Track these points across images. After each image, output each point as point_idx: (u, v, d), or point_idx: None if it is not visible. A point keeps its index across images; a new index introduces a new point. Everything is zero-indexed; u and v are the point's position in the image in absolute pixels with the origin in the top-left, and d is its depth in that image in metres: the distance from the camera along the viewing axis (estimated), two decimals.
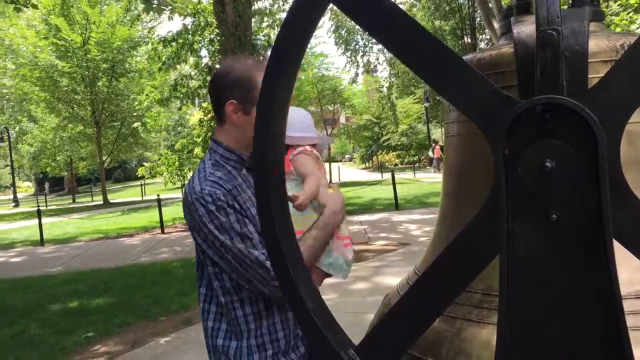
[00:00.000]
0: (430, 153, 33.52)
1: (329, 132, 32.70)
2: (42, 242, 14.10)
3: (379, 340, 1.28)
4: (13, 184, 39.44)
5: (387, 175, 24.98)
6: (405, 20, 1.12)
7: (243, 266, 1.71)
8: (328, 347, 1.29)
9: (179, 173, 20.87)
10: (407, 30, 1.14)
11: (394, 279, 7.33)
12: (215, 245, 1.73)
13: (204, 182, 1.74)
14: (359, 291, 6.87)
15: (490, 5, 12.86)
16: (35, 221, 16.39)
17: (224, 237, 1.70)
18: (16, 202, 36.05)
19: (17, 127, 36.99)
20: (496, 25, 12.24)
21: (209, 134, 19.93)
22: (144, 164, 28.28)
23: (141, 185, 32.80)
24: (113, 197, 31.76)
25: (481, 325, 1.27)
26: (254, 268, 1.71)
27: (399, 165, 40.65)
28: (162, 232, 13.98)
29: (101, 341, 5.90)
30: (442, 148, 30.68)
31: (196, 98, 17.92)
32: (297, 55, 1.25)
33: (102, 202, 29.33)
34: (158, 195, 15.68)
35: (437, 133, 53.70)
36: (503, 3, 13.82)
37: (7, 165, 50.43)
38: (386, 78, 37.20)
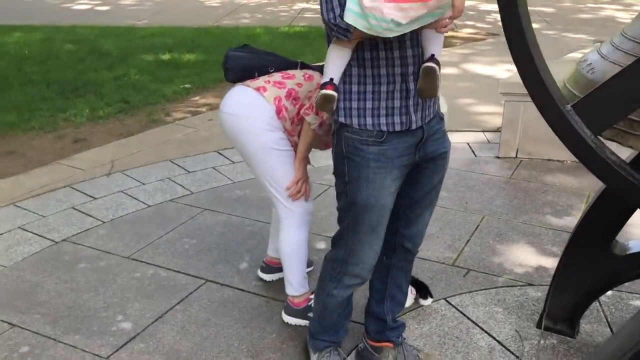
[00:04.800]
0: None
1: None
2: None
3: (599, 101, 1.28)
4: None
5: None
6: None
7: None
8: (549, 101, 1.30)
9: None
10: None
11: (484, 67, 7.20)
12: None
13: None
14: (449, 76, 6.79)
15: None
16: None
17: None
18: None
19: None
20: None
21: None
22: None
23: None
24: None
25: None
26: None
27: None
28: None
29: (198, 93, 6.18)
30: None
31: None
32: None
33: None
34: None
35: None
36: None
37: None
38: None
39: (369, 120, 1.75)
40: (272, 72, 2.36)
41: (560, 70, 2.79)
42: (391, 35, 1.53)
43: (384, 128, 1.75)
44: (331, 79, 1.71)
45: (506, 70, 6.77)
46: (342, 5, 1.56)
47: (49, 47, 8.25)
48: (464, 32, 9.81)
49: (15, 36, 9.02)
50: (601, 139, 1.33)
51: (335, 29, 1.60)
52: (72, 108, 5.55)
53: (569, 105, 1.29)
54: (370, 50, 1.69)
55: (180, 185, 3.92)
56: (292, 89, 2.29)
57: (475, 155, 4.43)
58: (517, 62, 1.29)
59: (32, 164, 4.31)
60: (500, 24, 1.30)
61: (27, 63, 7.32)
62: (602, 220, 2.14)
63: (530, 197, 3.75)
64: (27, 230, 3.34)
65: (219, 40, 8.79)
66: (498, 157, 4.36)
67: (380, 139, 1.76)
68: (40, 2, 13.39)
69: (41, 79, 6.53)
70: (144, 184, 3.94)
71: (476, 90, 6.11)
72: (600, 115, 1.27)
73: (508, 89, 4.15)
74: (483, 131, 4.92)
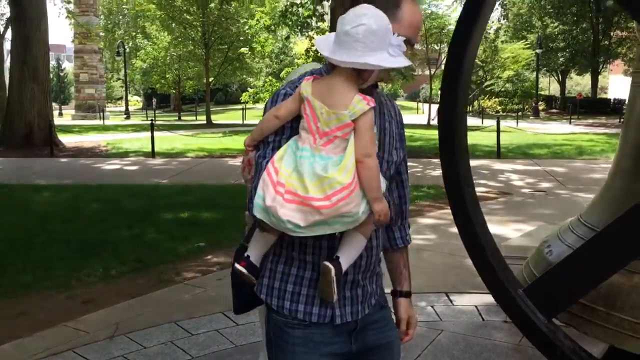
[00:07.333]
0: None
1: (432, 73, 31.69)
2: (153, 154, 14.96)
3: (550, 285, 1.31)
4: (125, 98, 41.69)
5: (488, 122, 24.18)
6: None
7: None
8: (500, 285, 1.34)
9: None
10: None
11: (495, 227, 7.24)
12: None
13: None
14: (456, 235, 6.86)
15: None
16: (145, 134, 17.35)
17: None
18: (127, 114, 38.33)
19: (131, 43, 38.78)
20: None
21: None
22: (248, 89, 28.93)
23: (242, 109, 33.67)
24: (215, 119, 32.87)
25: None
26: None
27: (501, 113, 39.13)
28: None
29: (212, 252, 6.30)
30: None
31: (305, 27, 17.78)
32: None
33: (205, 122, 30.48)
34: None
35: (546, 82, 50.98)
36: None
37: (119, 79, 53.26)
38: (495, 20, 35.31)
39: (286, 304, 1.62)
40: None
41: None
42: (298, 235, 1.48)
43: (300, 316, 1.61)
44: (248, 256, 1.64)
45: (515, 230, 6.84)
46: (252, 200, 1.54)
47: (75, 205, 8.64)
48: (477, 191, 10.06)
49: (45, 195, 9.50)
50: (557, 322, 1.35)
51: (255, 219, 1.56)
52: (87, 267, 5.67)
53: (520, 290, 1.33)
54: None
55: (182, 349, 3.88)
56: None
57: (483, 319, 4.35)
58: (467, 248, 1.35)
59: (40, 326, 4.33)
60: (512, 183, 1.37)
61: (52, 222, 7.63)
62: None
63: None
64: None
65: (237, 198, 9.10)
66: (506, 322, 4.28)
67: (306, 322, 1.62)
68: (74, 163, 14.25)
69: (62, 237, 6.76)
70: (145, 347, 3.91)
71: None
72: (552, 299, 1.30)
73: (510, 252, 4.19)
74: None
